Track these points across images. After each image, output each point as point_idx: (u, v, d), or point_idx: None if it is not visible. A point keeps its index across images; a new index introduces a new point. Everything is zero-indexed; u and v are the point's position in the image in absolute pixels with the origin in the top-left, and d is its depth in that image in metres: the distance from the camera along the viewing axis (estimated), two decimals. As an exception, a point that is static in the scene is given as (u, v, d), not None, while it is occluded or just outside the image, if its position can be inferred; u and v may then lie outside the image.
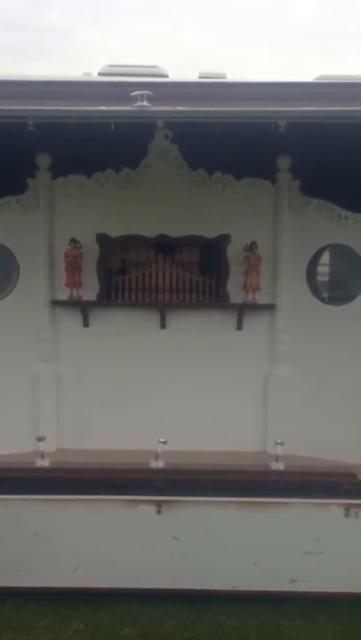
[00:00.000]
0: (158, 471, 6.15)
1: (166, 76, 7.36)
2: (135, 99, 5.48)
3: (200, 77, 7.14)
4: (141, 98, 5.48)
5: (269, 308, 7.56)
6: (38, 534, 5.94)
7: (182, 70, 7.65)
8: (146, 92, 5.48)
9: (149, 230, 7.48)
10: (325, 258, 7.93)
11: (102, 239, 7.57)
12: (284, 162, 7.33)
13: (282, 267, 7.47)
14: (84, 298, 7.58)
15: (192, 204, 7.40)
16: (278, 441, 6.37)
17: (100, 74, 7.54)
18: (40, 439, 6.39)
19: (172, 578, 5.92)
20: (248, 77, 6.90)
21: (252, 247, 7.38)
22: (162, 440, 6.18)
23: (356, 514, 5.88)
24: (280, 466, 6.30)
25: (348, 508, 5.91)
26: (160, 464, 6.18)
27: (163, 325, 7.63)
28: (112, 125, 5.49)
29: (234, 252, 7.50)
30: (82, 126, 5.69)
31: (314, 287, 7.58)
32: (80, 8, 32.00)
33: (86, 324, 7.67)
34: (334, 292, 8.20)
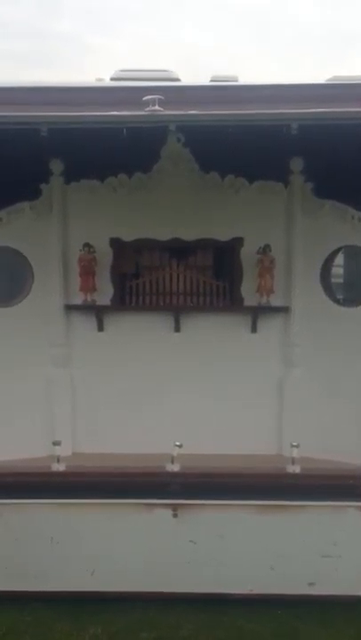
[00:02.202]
0: (174, 475, 6.15)
1: (178, 80, 7.38)
2: (147, 103, 5.50)
3: (212, 80, 7.14)
4: (153, 102, 5.49)
5: (283, 310, 7.53)
6: (55, 539, 5.96)
7: (183, 71, 7.64)
8: (158, 96, 5.50)
9: (163, 234, 7.49)
10: (339, 259, 7.90)
11: (116, 243, 7.58)
12: (296, 164, 7.32)
13: (296, 269, 7.45)
14: (98, 302, 7.60)
15: (205, 208, 7.39)
16: (294, 444, 6.35)
17: (112, 79, 7.58)
18: (56, 443, 6.42)
19: (189, 581, 5.92)
20: (259, 80, 6.89)
21: (265, 250, 7.37)
22: (177, 443, 6.18)
23: (374, 517, 5.85)
24: (296, 469, 6.28)
25: (365, 510, 5.88)
26: (176, 467, 6.18)
27: (177, 329, 7.63)
28: (124, 130, 5.51)
29: (247, 254, 7.49)
30: (94, 131, 5.72)
31: (328, 289, 7.55)
32: (80, 11, 32.31)
33: (100, 329, 7.68)
34: (349, 294, 8.16)
